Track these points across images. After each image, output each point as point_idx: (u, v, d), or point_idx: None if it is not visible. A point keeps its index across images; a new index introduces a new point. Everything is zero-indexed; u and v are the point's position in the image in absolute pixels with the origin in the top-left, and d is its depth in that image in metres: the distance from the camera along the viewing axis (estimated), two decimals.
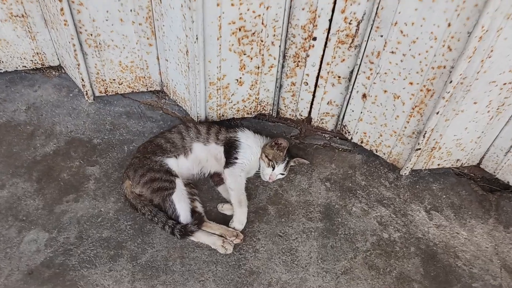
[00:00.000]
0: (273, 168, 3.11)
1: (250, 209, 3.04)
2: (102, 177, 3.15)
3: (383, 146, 3.31)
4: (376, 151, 3.38)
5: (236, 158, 3.09)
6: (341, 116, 3.48)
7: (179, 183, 2.91)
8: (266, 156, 3.13)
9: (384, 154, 3.36)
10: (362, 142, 3.44)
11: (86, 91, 3.58)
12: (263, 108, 3.59)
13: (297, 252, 2.85)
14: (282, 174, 3.18)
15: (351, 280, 2.72)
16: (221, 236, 2.85)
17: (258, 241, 2.88)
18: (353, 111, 3.35)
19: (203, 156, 3.12)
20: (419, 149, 3.06)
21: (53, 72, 4.00)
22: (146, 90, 3.78)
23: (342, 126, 3.53)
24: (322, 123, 3.61)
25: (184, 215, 2.86)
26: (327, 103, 3.45)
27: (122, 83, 3.64)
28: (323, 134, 3.64)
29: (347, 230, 2.99)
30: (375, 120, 3.22)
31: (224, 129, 3.25)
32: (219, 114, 3.50)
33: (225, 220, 2.94)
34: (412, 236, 2.98)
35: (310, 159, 3.44)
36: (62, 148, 3.33)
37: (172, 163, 3.00)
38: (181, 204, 2.86)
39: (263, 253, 2.82)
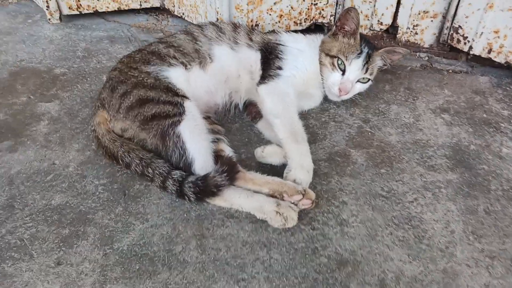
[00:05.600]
0: (343, 71, 1.75)
1: (319, 156, 1.69)
2: (62, 116, 1.84)
3: None
4: None
5: (280, 68, 1.76)
6: (450, 15, 2.14)
7: (190, 107, 1.57)
8: (328, 54, 1.79)
9: None
10: (490, 51, 2.08)
11: (48, 5, 2.31)
12: (320, 13, 2.25)
13: (423, 223, 1.45)
14: (364, 80, 1.82)
15: None
16: (273, 196, 1.47)
17: (343, 206, 1.50)
18: None
19: (231, 67, 1.79)
20: None
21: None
22: (139, 7, 2.51)
23: (451, 33, 2.18)
24: (416, 33, 2.27)
25: (202, 160, 1.52)
26: None
27: None
28: (417, 53, 2.28)
29: (506, 183, 1.59)
30: None
31: (257, 30, 1.93)
32: (251, 19, 2.18)
33: (273, 174, 1.57)
34: None
35: (407, 84, 2.07)
36: (3, 81, 2.04)
37: (177, 75, 1.68)
38: (196, 140, 1.53)
39: (359, 227, 1.44)
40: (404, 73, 2.17)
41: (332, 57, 1.78)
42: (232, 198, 1.49)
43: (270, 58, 1.81)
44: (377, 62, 1.83)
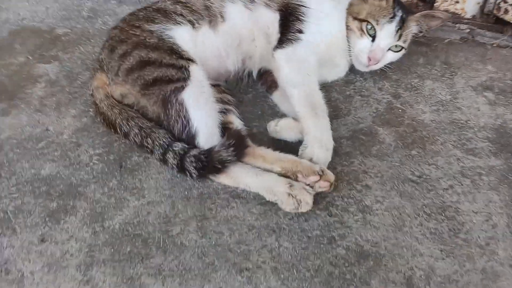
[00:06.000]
0: (373, 37, 1.52)
1: (341, 133, 1.49)
2: (61, 79, 1.69)
3: None
4: None
5: (300, 32, 1.55)
6: None
7: (196, 71, 1.39)
8: (356, 18, 1.57)
9: None
10: None
11: None
12: None
13: (459, 215, 1.25)
14: (396, 49, 1.59)
15: None
16: (285, 175, 1.28)
17: (367, 190, 1.31)
18: None
19: (245, 28, 1.59)
20: None
21: None
22: None
23: (498, 1, 1.93)
24: (457, 1, 2.03)
25: (207, 132, 1.34)
26: None
27: None
28: (457, 25, 2.03)
29: None
30: None
31: None
32: None
33: (287, 152, 1.38)
34: None
35: (444, 57, 1.83)
36: (2, 40, 1.89)
37: (183, 35, 1.49)
38: (201, 110, 1.35)
39: (383, 216, 1.25)
40: (441, 46, 1.93)
41: (361, 21, 1.56)
42: (239, 176, 1.31)
43: (290, 20, 1.61)
44: (412, 28, 1.60)
